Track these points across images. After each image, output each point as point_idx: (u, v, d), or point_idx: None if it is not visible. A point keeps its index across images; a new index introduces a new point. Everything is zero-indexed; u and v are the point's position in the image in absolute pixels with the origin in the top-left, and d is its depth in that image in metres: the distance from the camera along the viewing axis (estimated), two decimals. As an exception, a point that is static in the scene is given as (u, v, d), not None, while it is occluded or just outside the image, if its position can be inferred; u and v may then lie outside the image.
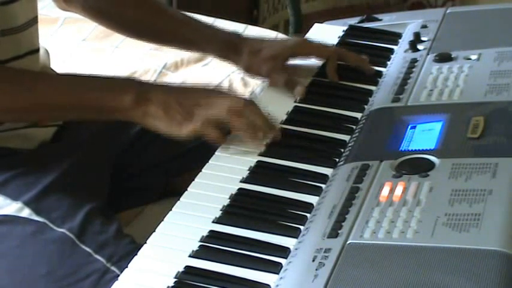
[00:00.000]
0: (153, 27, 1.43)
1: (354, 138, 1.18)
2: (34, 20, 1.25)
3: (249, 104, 1.18)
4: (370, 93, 1.31)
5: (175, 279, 0.94)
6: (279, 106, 1.29)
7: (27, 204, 1.15)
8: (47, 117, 1.24)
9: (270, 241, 1.00)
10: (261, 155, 1.17)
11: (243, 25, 2.11)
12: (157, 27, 1.43)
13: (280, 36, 2.06)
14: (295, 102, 1.31)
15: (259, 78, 1.44)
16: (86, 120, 1.28)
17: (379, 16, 1.59)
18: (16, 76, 1.17)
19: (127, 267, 0.97)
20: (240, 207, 1.06)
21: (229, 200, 1.07)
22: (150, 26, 1.43)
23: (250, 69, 1.40)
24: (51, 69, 1.36)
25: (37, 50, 1.26)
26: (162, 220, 1.05)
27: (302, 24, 2.59)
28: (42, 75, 1.24)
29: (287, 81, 1.35)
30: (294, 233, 1.01)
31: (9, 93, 1.14)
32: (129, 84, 1.19)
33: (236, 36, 1.42)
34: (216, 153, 1.18)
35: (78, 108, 1.18)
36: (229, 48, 1.39)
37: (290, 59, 1.39)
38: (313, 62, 1.41)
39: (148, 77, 1.90)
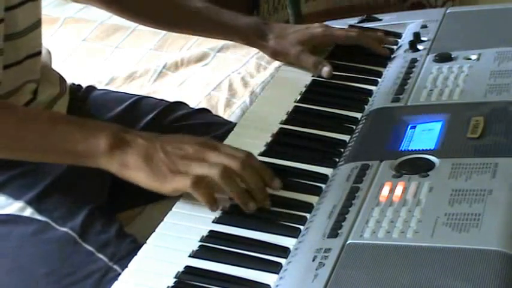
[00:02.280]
0: (172, 15, 1.43)
1: (354, 138, 1.18)
2: (36, 24, 1.24)
3: (247, 165, 1.05)
4: (370, 93, 1.31)
5: (175, 279, 0.95)
6: (279, 106, 1.29)
7: (29, 203, 1.15)
8: (6, 157, 1.12)
9: (270, 241, 1.00)
10: (261, 155, 1.16)
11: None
12: (176, 14, 1.43)
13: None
14: (295, 102, 1.31)
15: (287, 62, 1.44)
16: (55, 163, 1.15)
17: (379, 16, 1.59)
18: None
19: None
20: (240, 207, 1.06)
21: (229, 200, 1.07)
22: (169, 14, 1.43)
23: (277, 54, 1.43)
24: (53, 70, 1.36)
25: (38, 53, 1.25)
26: (162, 220, 1.05)
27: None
28: (11, 110, 1.13)
29: (316, 62, 1.37)
30: (294, 233, 1.01)
31: None
32: (105, 127, 1.08)
33: (261, 21, 1.44)
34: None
35: (43, 150, 1.08)
36: (255, 33, 1.42)
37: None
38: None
39: (148, 77, 1.90)
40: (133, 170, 1.04)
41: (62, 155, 1.09)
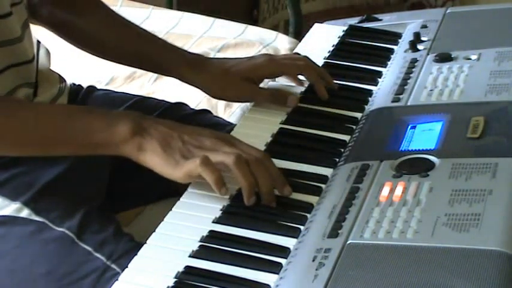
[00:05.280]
0: (115, 44, 1.37)
1: (354, 138, 1.18)
2: (25, 25, 1.23)
3: (260, 164, 1.05)
4: (370, 93, 1.31)
5: (175, 279, 0.94)
6: (279, 106, 1.29)
7: (26, 204, 1.15)
8: (24, 153, 1.13)
9: (270, 241, 1.00)
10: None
11: (243, 25, 2.11)
12: (119, 44, 1.37)
13: (280, 36, 2.06)
14: (295, 102, 1.31)
15: (232, 101, 1.38)
16: (74, 155, 1.16)
17: (379, 16, 1.59)
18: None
19: (127, 265, 0.97)
20: (240, 207, 1.06)
21: (229, 200, 1.07)
22: (113, 43, 1.37)
23: (220, 94, 1.34)
24: (52, 71, 1.36)
25: (32, 59, 1.24)
26: (162, 220, 1.05)
27: (302, 24, 2.60)
28: (25, 105, 1.15)
29: (273, 95, 1.29)
30: (294, 233, 1.01)
31: None
32: (124, 114, 1.11)
33: (200, 57, 1.36)
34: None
35: (62, 143, 1.09)
36: (194, 68, 1.32)
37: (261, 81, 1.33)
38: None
39: (148, 77, 1.90)
40: (150, 155, 1.06)
41: (82, 146, 1.10)
